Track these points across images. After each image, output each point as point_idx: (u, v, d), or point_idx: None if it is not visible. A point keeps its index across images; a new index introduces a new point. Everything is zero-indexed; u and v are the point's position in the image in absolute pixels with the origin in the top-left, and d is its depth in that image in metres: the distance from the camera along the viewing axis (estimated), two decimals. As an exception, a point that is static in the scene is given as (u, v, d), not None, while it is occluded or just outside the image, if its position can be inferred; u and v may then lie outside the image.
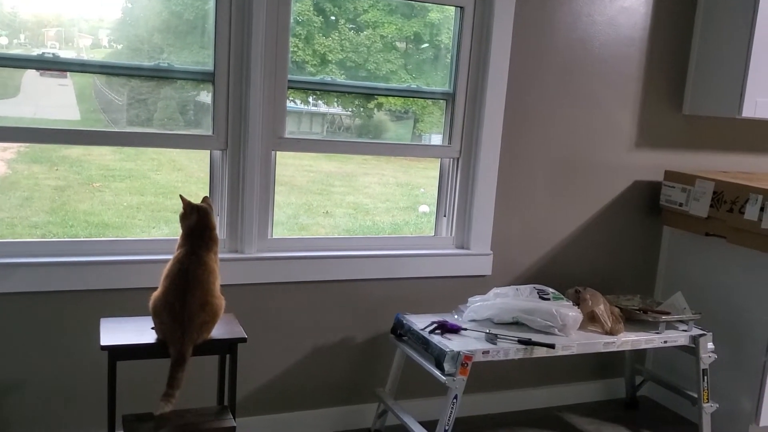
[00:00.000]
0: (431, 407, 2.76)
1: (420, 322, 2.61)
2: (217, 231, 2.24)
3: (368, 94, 3.05)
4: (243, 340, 2.16)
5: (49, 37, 2.51)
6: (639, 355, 3.35)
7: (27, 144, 3.28)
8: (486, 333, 2.52)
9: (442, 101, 2.95)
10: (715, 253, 3.06)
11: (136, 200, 4.12)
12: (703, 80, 3.17)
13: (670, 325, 2.80)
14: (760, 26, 2.92)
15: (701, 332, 2.80)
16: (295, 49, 2.73)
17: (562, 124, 3.04)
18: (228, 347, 2.16)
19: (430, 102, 3.10)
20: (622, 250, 3.30)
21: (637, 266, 3.35)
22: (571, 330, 2.60)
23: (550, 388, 3.26)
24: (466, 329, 2.57)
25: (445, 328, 2.55)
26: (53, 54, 2.42)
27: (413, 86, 2.94)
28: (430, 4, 2.87)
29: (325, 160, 4.52)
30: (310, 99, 3.11)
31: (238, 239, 2.62)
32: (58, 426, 2.47)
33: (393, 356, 2.76)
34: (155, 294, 2.08)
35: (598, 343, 2.62)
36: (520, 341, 2.49)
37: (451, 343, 2.44)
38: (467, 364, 2.36)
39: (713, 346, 2.81)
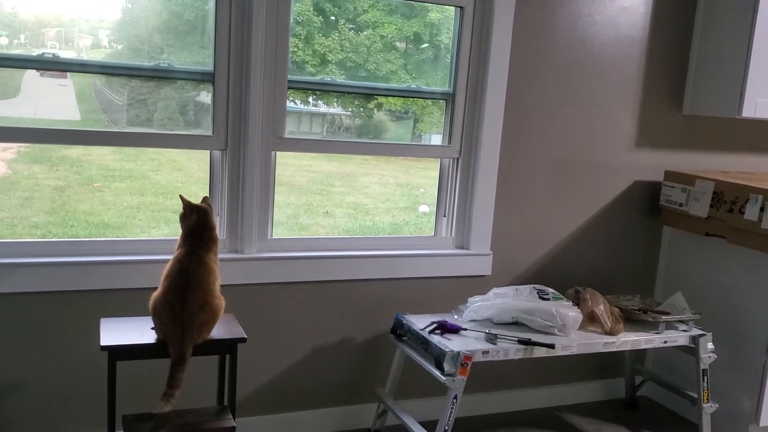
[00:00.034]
0: (431, 407, 2.76)
1: (420, 322, 2.61)
2: (217, 231, 2.24)
3: (368, 94, 3.05)
4: (243, 340, 2.16)
5: (50, 37, 2.51)
6: (639, 355, 3.35)
7: (27, 144, 3.28)
8: (486, 333, 2.52)
9: (442, 101, 2.95)
10: (715, 253, 3.06)
11: (136, 200, 4.12)
12: (703, 80, 3.17)
13: (670, 325, 2.80)
14: (760, 26, 2.92)
15: (701, 332, 2.80)
16: (295, 49, 2.73)
17: (562, 124, 3.04)
18: (228, 347, 2.16)
19: (430, 102, 3.10)
20: (622, 250, 3.30)
21: (637, 266, 3.35)
22: (571, 330, 2.60)
23: (549, 388, 3.26)
24: (465, 329, 2.57)
25: (445, 328, 2.55)
26: (53, 54, 2.42)
27: (413, 86, 2.94)
28: (430, 4, 2.87)
29: (325, 160, 4.52)
30: (310, 99, 3.11)
31: (238, 239, 2.62)
32: (58, 426, 2.47)
33: (393, 356, 2.76)
34: (155, 294, 2.08)
35: (597, 343, 2.62)
36: (520, 341, 2.49)
37: (450, 343, 2.44)
38: (467, 364, 2.36)
39: (713, 346, 2.81)
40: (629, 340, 2.69)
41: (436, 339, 2.47)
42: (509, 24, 2.83)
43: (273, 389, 2.76)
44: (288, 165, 3.78)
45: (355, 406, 2.90)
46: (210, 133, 2.56)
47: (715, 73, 3.10)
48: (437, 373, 2.39)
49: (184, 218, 2.15)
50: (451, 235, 3.00)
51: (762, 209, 2.72)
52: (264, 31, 2.49)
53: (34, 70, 2.48)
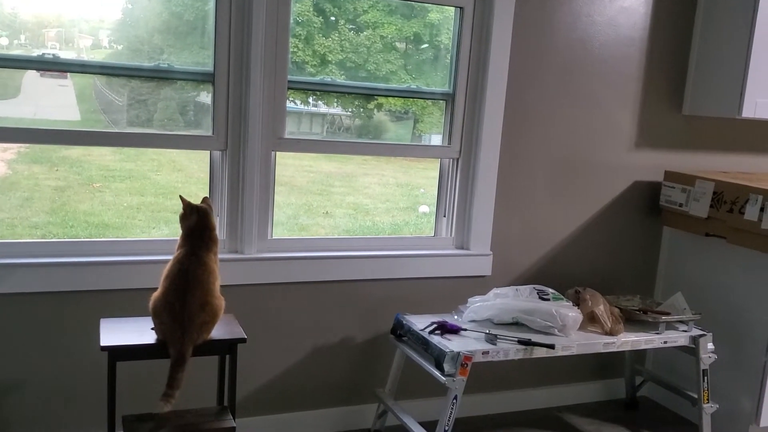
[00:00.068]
0: (431, 407, 2.76)
1: (420, 322, 2.61)
2: (217, 231, 2.24)
3: (368, 95, 3.05)
4: (243, 340, 2.16)
5: (50, 37, 2.51)
6: (639, 355, 3.35)
7: (27, 144, 3.28)
8: (486, 333, 2.52)
9: (441, 101, 2.95)
10: (715, 254, 3.06)
11: (136, 201, 4.12)
12: (703, 80, 3.17)
13: (670, 326, 2.80)
14: (760, 26, 2.92)
15: (701, 332, 2.80)
16: (295, 49, 2.73)
17: (562, 124, 3.04)
18: (228, 347, 2.16)
19: (429, 102, 3.10)
20: (622, 251, 3.30)
21: (637, 266, 3.35)
22: (571, 330, 2.60)
23: (549, 389, 3.26)
24: (465, 330, 2.57)
25: (445, 329, 2.55)
26: (53, 54, 2.42)
27: (413, 87, 2.94)
28: (429, 5, 2.87)
29: (325, 161, 4.52)
30: (310, 99, 3.11)
31: (238, 239, 2.62)
32: (58, 426, 2.47)
33: (393, 356, 2.76)
34: (155, 294, 2.08)
35: (597, 343, 2.62)
36: (520, 341, 2.49)
37: (450, 344, 2.44)
38: (467, 364, 2.36)
39: (713, 347, 2.81)
40: (629, 340, 2.69)
41: (436, 339, 2.47)
42: (509, 24, 2.83)
43: (273, 389, 2.76)
44: (288, 165, 3.78)
45: (355, 407, 2.90)
46: (210, 133, 2.56)
47: (715, 74, 3.10)
48: (437, 373, 2.39)
49: (184, 219, 2.15)
50: (451, 235, 3.00)
51: (762, 209, 2.72)
52: (264, 32, 2.50)
53: (35, 71, 2.48)
